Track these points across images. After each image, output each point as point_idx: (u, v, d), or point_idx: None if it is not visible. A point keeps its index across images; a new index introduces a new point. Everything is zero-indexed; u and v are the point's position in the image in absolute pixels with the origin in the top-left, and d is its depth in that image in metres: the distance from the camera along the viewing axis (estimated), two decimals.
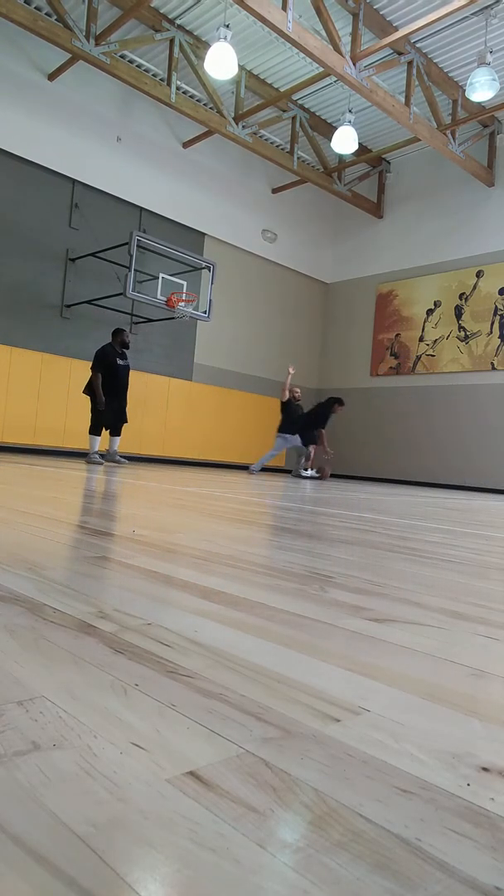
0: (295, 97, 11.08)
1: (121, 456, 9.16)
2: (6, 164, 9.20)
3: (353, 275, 13.66)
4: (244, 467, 12.49)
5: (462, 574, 1.64)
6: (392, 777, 0.53)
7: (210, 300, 9.90)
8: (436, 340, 12.17)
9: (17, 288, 9.36)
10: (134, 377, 10.57)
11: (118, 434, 8.50)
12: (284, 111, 11.14)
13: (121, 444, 10.12)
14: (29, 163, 9.41)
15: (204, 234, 11.71)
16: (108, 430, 8.40)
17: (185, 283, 10.27)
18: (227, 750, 0.55)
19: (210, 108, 10.88)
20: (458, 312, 11.87)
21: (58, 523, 1.95)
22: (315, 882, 0.38)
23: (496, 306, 11.34)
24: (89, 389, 8.22)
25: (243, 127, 10.44)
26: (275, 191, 12.69)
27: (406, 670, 0.80)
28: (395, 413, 12.66)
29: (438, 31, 9.09)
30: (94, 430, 8.26)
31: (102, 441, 9.40)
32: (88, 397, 8.37)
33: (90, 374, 8.32)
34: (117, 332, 8.34)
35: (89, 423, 8.39)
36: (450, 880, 0.39)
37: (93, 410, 8.24)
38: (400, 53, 9.28)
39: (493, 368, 11.30)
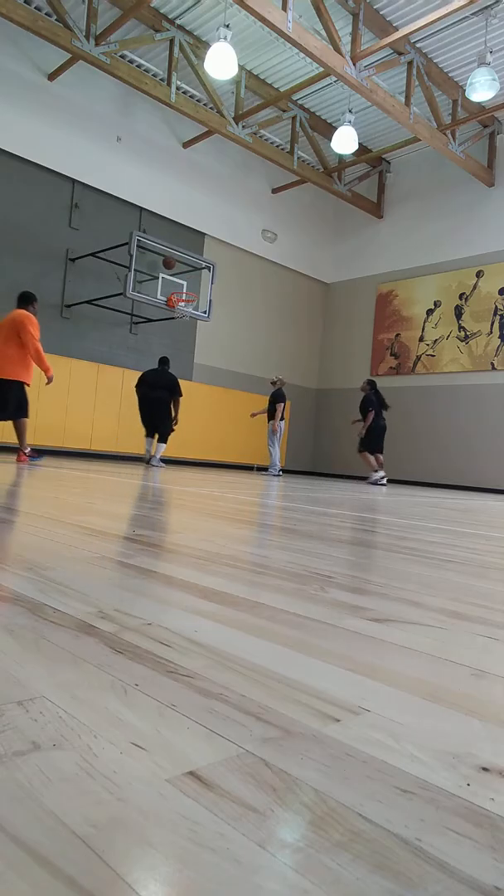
0: (295, 97, 11.08)
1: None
2: (6, 164, 9.20)
3: (353, 275, 13.66)
4: (245, 467, 12.49)
5: (462, 574, 1.64)
6: (392, 777, 0.53)
7: (210, 300, 9.90)
8: (436, 340, 12.17)
9: (17, 288, 9.36)
10: (134, 377, 10.60)
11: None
12: (284, 111, 11.14)
13: (122, 444, 10.31)
14: (29, 163, 9.41)
15: (204, 235, 11.71)
16: (151, 436, 9.04)
17: (185, 283, 10.27)
18: (227, 750, 0.55)
19: (210, 108, 10.88)
20: (458, 312, 11.87)
21: (58, 523, 1.95)
22: (315, 882, 0.38)
23: (496, 306, 11.34)
24: (174, 411, 8.83)
25: (243, 127, 10.44)
26: (275, 191, 12.69)
27: (406, 670, 0.80)
28: (394, 413, 12.65)
29: (438, 31, 9.09)
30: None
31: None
32: (139, 410, 8.95)
33: (166, 395, 8.81)
34: (168, 360, 8.98)
35: (165, 434, 8.90)
36: (450, 880, 0.39)
37: (170, 428, 8.88)
38: (400, 53, 9.28)
39: (493, 368, 11.31)
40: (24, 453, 6.35)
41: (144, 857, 0.39)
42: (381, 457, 10.03)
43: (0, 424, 9.07)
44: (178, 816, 0.44)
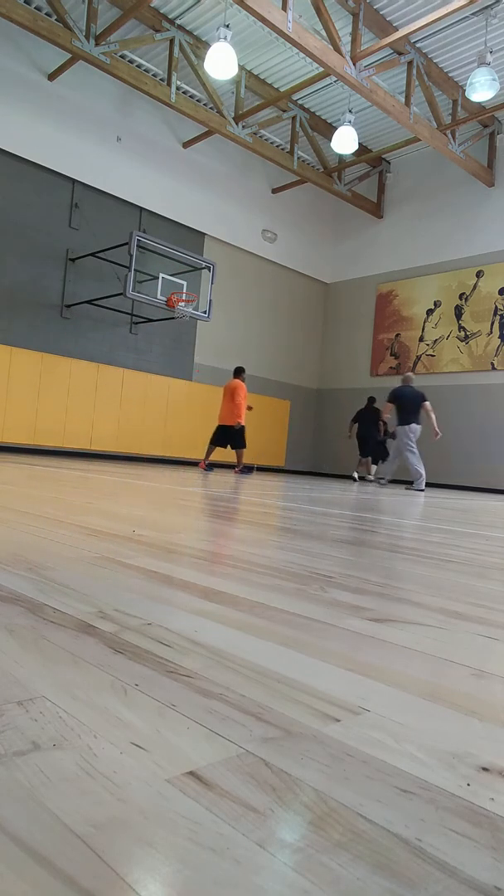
0: (295, 97, 11.08)
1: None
2: (6, 164, 9.20)
3: (353, 275, 13.66)
4: (245, 468, 12.48)
5: (462, 574, 1.64)
6: (392, 777, 0.53)
7: (210, 300, 9.91)
8: (436, 340, 12.17)
9: (17, 288, 9.36)
10: (134, 377, 10.60)
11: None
12: (284, 111, 11.14)
13: (122, 444, 10.36)
14: (29, 163, 9.41)
15: (204, 234, 11.71)
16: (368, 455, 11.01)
17: (185, 283, 10.27)
18: (227, 750, 0.55)
19: (210, 108, 10.88)
20: (458, 312, 11.87)
21: (58, 523, 1.95)
22: (315, 882, 0.38)
23: (496, 306, 11.34)
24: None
25: (243, 127, 10.44)
26: (275, 191, 12.69)
27: (406, 670, 0.80)
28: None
29: (438, 31, 9.09)
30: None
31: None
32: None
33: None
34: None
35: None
36: (450, 880, 0.39)
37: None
38: (400, 53, 9.28)
39: (493, 368, 11.30)
40: (238, 469, 9.09)
41: (144, 857, 0.39)
42: (362, 459, 11.09)
43: (1, 427, 9.10)
44: (178, 816, 0.44)
